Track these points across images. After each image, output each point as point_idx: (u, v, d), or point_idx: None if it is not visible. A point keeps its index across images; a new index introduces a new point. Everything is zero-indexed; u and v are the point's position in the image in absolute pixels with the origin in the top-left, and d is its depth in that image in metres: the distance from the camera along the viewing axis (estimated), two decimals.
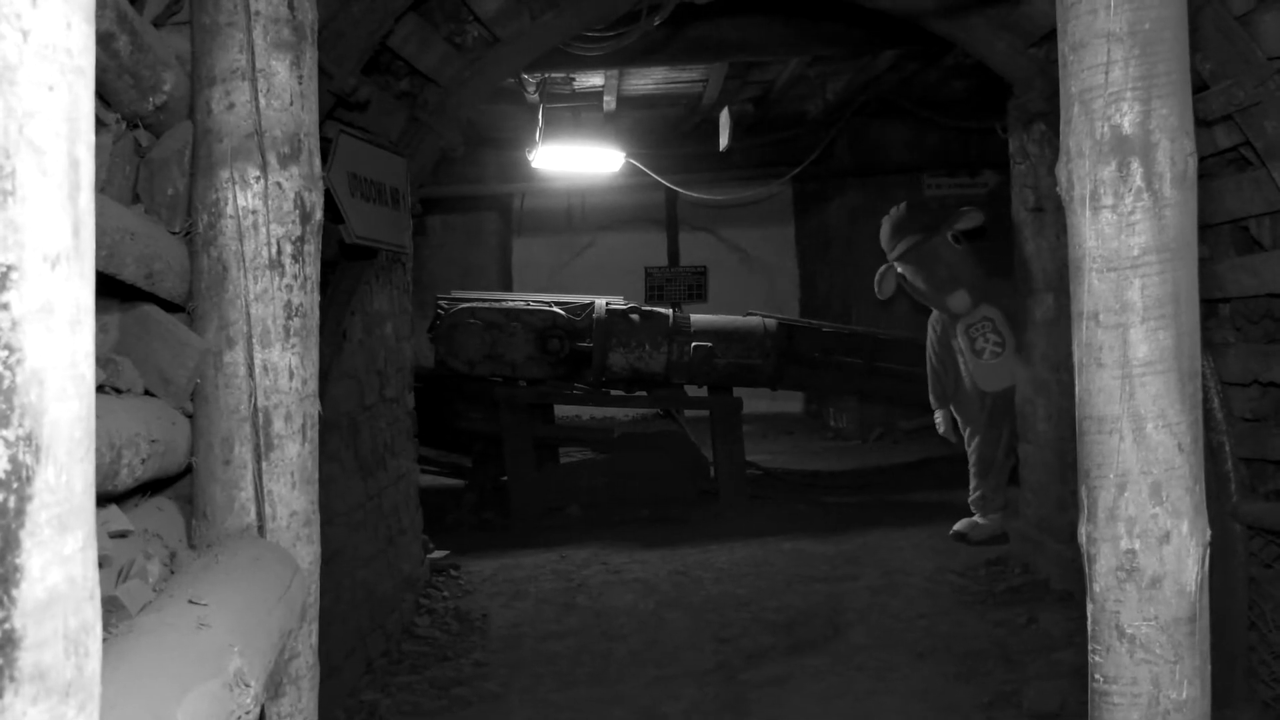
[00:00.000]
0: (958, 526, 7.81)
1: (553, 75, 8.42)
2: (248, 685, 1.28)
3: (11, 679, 0.71)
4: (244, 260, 1.86)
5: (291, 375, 1.91)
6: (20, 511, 0.71)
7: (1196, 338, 1.88)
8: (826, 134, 10.84)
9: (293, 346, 1.90)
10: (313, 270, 1.95)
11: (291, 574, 1.76)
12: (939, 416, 8.28)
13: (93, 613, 0.78)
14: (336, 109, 3.38)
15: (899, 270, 7.96)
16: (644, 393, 9.51)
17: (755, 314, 9.55)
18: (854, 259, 11.93)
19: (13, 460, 0.71)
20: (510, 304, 9.21)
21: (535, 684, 5.45)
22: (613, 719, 4.99)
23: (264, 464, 1.85)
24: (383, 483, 6.07)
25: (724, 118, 10.05)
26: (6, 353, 0.71)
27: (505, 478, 9.17)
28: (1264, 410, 4.25)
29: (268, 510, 1.85)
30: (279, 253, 1.88)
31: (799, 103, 10.48)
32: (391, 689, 5.37)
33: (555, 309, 9.09)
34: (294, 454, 1.90)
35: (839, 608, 6.48)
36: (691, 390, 9.78)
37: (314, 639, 1.95)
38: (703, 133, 10.90)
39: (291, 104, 1.90)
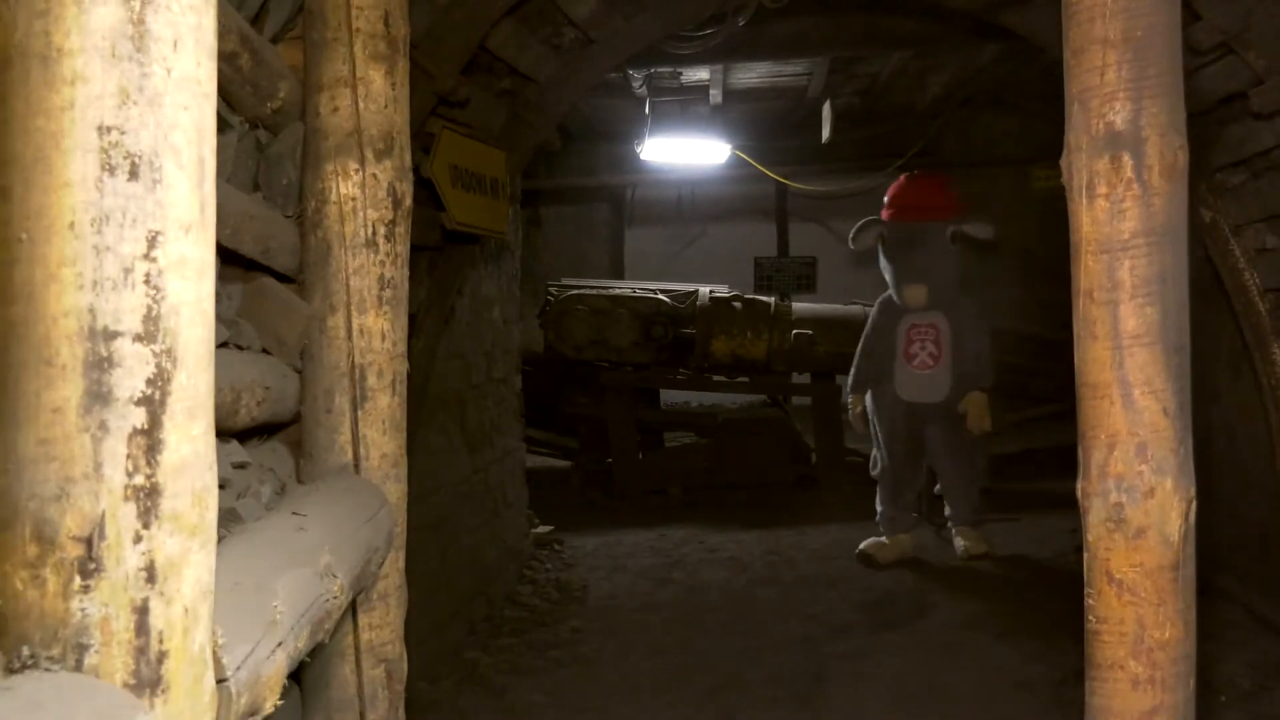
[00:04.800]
0: (863, 546, 7.26)
1: (659, 70, 8.68)
2: (335, 576, 1.59)
3: (156, 517, 1.03)
4: (344, 240, 2.20)
5: (383, 337, 2.25)
6: (163, 402, 1.03)
7: (1184, 315, 2.07)
8: (930, 126, 10.89)
9: (385, 313, 2.25)
10: (403, 249, 2.29)
11: (379, 504, 2.09)
12: (852, 400, 7.58)
13: (212, 478, 1.10)
14: (439, 107, 3.72)
15: (884, 232, 7.42)
16: (745, 379, 9.71)
17: (857, 303, 9.67)
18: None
19: (158, 366, 1.03)
20: (617, 291, 9.51)
21: (627, 650, 5.75)
22: (696, 683, 5.26)
23: (359, 412, 2.19)
24: (489, 458, 6.41)
25: (826, 110, 10.20)
26: (155, 291, 1.02)
27: (610, 460, 9.50)
28: None
29: (362, 452, 2.19)
30: (374, 234, 2.23)
31: (905, 95, 10.54)
32: (492, 649, 5.72)
33: (660, 296, 9.36)
34: (385, 404, 2.25)
35: (926, 589, 6.64)
36: (794, 378, 9.95)
37: (400, 564, 2.28)
38: (809, 125, 11.02)
39: (386, 107, 2.24)
